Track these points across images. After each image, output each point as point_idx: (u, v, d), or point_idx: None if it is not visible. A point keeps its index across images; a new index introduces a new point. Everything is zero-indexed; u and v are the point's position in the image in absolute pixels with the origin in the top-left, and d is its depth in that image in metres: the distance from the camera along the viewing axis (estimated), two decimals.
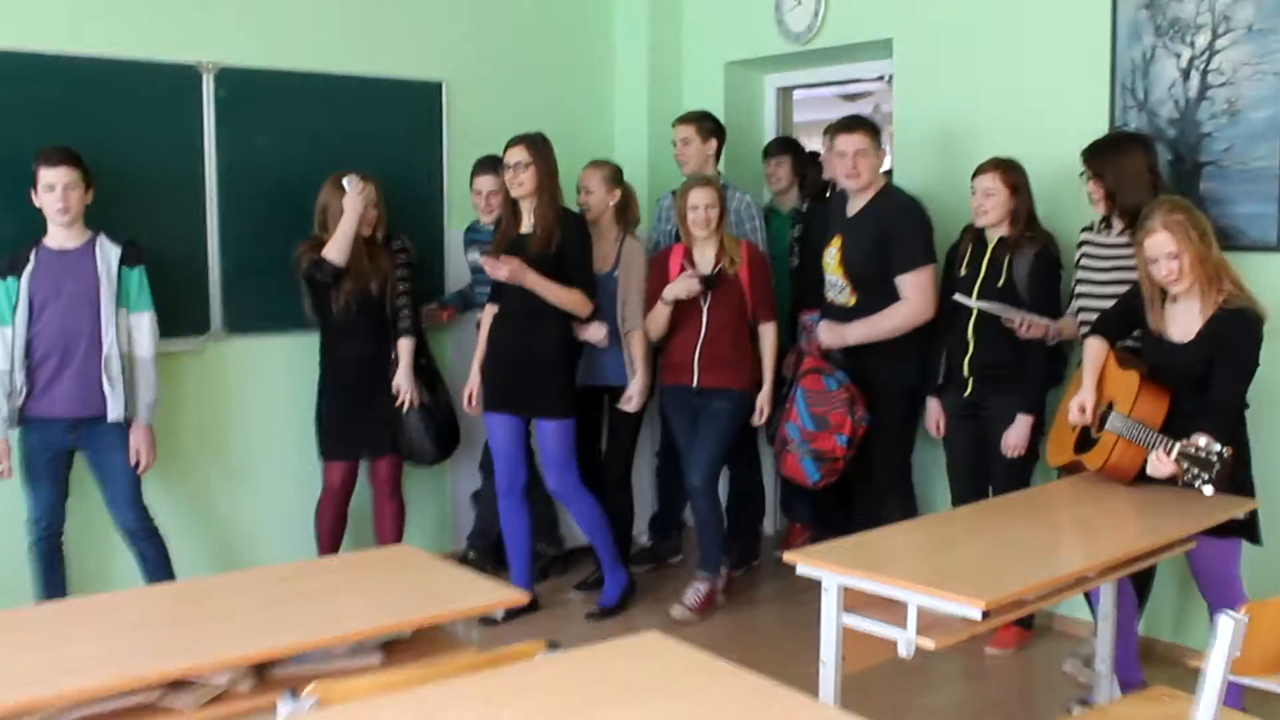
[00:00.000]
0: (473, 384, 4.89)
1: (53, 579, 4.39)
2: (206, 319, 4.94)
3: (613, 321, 4.92)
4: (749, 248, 4.94)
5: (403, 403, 4.80)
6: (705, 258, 4.88)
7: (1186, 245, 3.43)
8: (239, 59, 4.95)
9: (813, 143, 6.76)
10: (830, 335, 4.79)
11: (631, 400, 4.92)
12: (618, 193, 4.94)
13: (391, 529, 4.98)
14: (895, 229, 4.65)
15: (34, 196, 4.22)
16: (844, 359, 4.80)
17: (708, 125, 5.32)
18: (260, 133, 5.01)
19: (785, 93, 6.25)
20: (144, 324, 4.36)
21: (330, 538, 4.92)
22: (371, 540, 5.02)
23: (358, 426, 4.82)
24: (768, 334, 4.95)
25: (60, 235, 4.26)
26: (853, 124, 4.74)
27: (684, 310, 4.88)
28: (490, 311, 4.86)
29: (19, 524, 4.37)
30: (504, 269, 4.59)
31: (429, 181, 5.49)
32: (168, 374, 4.75)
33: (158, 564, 4.48)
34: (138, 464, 4.40)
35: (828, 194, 5.39)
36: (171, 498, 4.90)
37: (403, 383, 4.79)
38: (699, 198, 4.82)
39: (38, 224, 4.26)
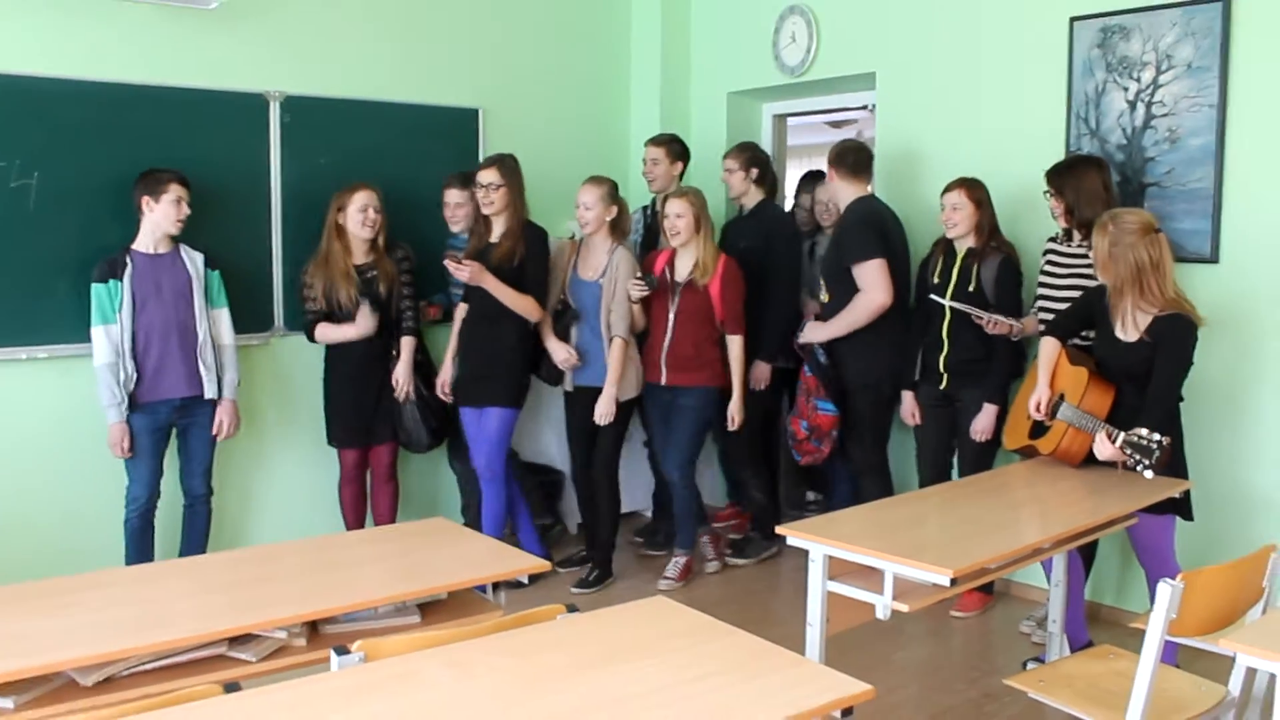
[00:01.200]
0: (445, 374, 4.83)
1: (143, 551, 4.40)
2: (271, 317, 4.94)
3: (599, 326, 4.80)
4: (726, 262, 4.81)
5: (401, 394, 4.75)
6: (686, 265, 4.81)
7: (1098, 246, 3.48)
8: (302, 88, 4.95)
9: (800, 166, 6.75)
10: (809, 332, 4.83)
11: (601, 416, 4.75)
12: (614, 209, 4.82)
13: (387, 509, 4.95)
14: (846, 231, 4.71)
15: (147, 208, 4.26)
16: (825, 357, 4.79)
17: (676, 148, 5.26)
18: (320, 153, 5.00)
19: (780, 119, 6.23)
20: (224, 318, 4.45)
21: (354, 513, 4.91)
22: (370, 517, 5.00)
23: (364, 416, 4.78)
24: (734, 345, 4.81)
25: (150, 242, 4.30)
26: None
27: (656, 313, 4.82)
28: (462, 310, 4.82)
29: (116, 496, 4.39)
30: (465, 271, 4.54)
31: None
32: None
33: (204, 527, 4.54)
34: (218, 434, 4.45)
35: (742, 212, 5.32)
36: (242, 469, 4.93)
37: (402, 376, 4.74)
38: (671, 207, 4.79)
39: (125, 233, 4.30)
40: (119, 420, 4.22)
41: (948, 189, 4.39)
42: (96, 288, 4.21)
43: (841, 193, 4.81)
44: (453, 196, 5.03)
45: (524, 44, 5.69)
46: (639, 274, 4.76)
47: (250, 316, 4.77)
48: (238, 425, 4.50)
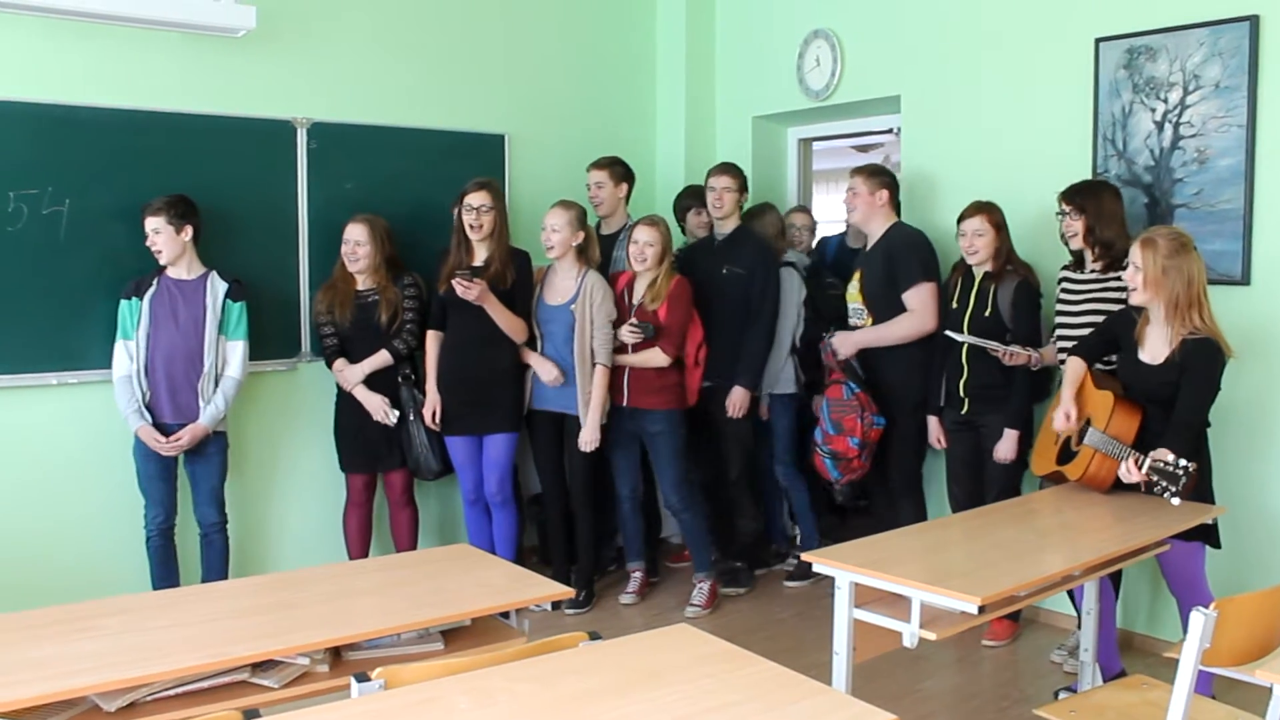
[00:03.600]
0: (433, 402, 4.74)
1: (167, 569, 4.43)
2: (298, 343, 4.96)
3: (567, 351, 4.76)
4: (678, 285, 4.81)
5: (379, 415, 4.67)
6: (643, 288, 4.83)
7: (1150, 265, 3.40)
8: (328, 115, 4.99)
9: (827, 189, 6.71)
10: (841, 341, 4.78)
11: (587, 444, 4.73)
12: (581, 235, 4.78)
13: (407, 534, 4.92)
14: (898, 255, 4.68)
15: None
16: (863, 376, 4.77)
17: (619, 170, 5.22)
18: (346, 179, 5.03)
19: (805, 143, 6.22)
20: (237, 350, 4.42)
21: (358, 541, 4.88)
22: (391, 545, 4.98)
23: (371, 443, 4.75)
24: (658, 356, 4.76)
25: (177, 268, 4.36)
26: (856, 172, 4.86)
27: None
28: (436, 338, 4.77)
29: (141, 522, 4.42)
30: (475, 289, 4.52)
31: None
32: (262, 390, 4.80)
33: (221, 555, 4.52)
34: (224, 466, 4.45)
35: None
36: (266, 495, 4.94)
37: (360, 395, 4.68)
38: (643, 235, 4.77)
39: (152, 258, 4.35)
40: (142, 423, 4.25)
41: (967, 215, 4.37)
42: (122, 304, 4.30)
43: (877, 218, 4.77)
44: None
45: (549, 70, 5.71)
46: (634, 321, 4.76)
47: (276, 343, 4.81)
48: (192, 444, 4.34)
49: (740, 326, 5.00)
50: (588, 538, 4.98)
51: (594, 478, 4.95)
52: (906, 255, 4.66)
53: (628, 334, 4.75)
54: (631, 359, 4.80)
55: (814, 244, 5.84)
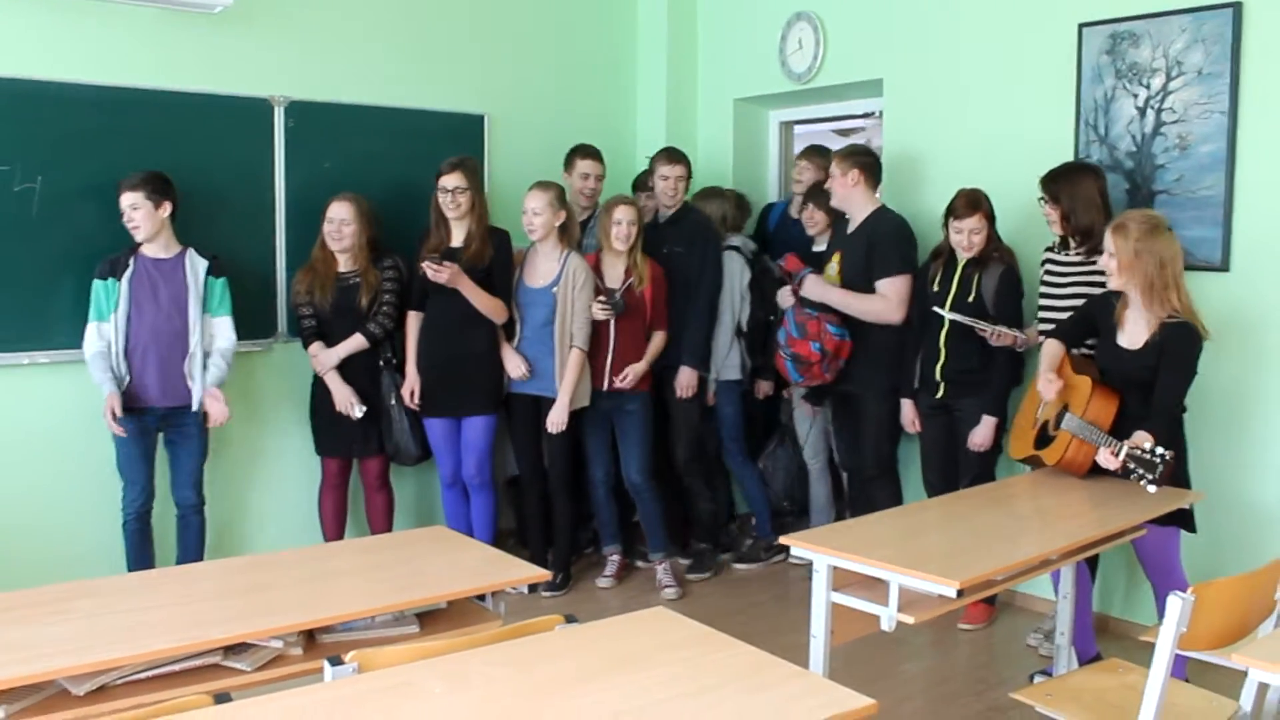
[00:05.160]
0: (411, 382, 4.72)
1: (143, 553, 4.38)
2: (274, 323, 4.91)
3: (546, 334, 4.73)
4: (653, 266, 4.84)
5: (343, 405, 4.60)
6: (615, 271, 4.80)
7: (1122, 249, 3.41)
8: (306, 93, 4.93)
9: None
10: (811, 287, 4.72)
11: (554, 424, 4.72)
12: (563, 214, 4.75)
13: (382, 517, 4.88)
14: (879, 243, 4.65)
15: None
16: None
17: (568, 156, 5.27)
18: (324, 159, 4.97)
19: (787, 126, 6.20)
20: (224, 326, 4.39)
21: (333, 523, 4.85)
22: (366, 528, 4.94)
23: (347, 428, 4.68)
24: (657, 338, 4.86)
25: (154, 246, 4.28)
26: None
27: (597, 324, 4.77)
28: (416, 318, 4.75)
29: (117, 501, 4.37)
30: (445, 273, 4.50)
31: None
32: (237, 371, 4.74)
33: (198, 536, 4.48)
34: (205, 447, 4.42)
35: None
36: (240, 476, 4.90)
37: (332, 385, 4.62)
38: (623, 214, 4.75)
39: (127, 236, 4.28)
40: (112, 390, 4.17)
41: (962, 214, 4.28)
42: (96, 284, 4.21)
43: (857, 200, 4.73)
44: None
45: (529, 50, 5.67)
46: (602, 297, 4.73)
47: (253, 323, 4.74)
48: (229, 414, 4.36)
49: (682, 307, 4.96)
50: (566, 521, 4.98)
51: (572, 461, 4.93)
52: (887, 245, 4.63)
53: (599, 311, 4.71)
54: (650, 355, 4.84)
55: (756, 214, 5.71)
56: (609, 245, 4.80)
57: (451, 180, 4.61)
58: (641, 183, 5.39)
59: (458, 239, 4.68)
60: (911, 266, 4.61)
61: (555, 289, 4.71)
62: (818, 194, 5.07)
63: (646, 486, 4.92)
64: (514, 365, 4.75)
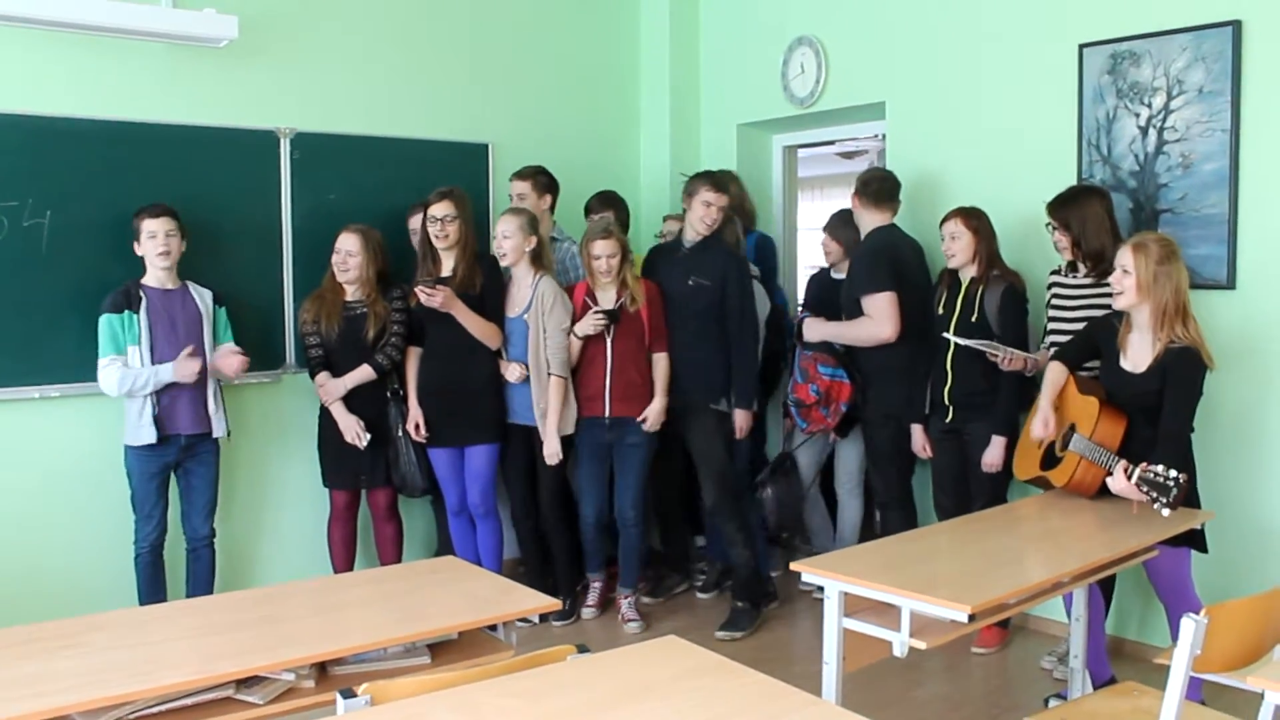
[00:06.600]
0: (415, 415, 4.71)
1: (155, 586, 4.38)
2: (282, 355, 4.94)
3: (522, 361, 4.72)
4: (648, 286, 4.78)
5: (350, 436, 4.61)
6: (607, 297, 4.74)
7: (1143, 269, 3.41)
8: (312, 125, 4.97)
9: (812, 197, 6.69)
10: (809, 329, 4.85)
11: (551, 456, 4.69)
12: (534, 240, 4.68)
13: (391, 548, 4.88)
14: (856, 262, 4.72)
15: (137, 247, 4.28)
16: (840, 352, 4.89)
17: (543, 180, 5.09)
18: (330, 190, 5.01)
19: (790, 150, 6.22)
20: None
21: (343, 554, 4.84)
22: (375, 558, 4.94)
23: (355, 459, 4.68)
24: (661, 361, 4.78)
25: (159, 278, 4.30)
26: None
27: (591, 345, 4.72)
28: (416, 353, 4.74)
29: (128, 535, 4.38)
30: (439, 296, 4.50)
31: (479, 232, 5.42)
32: (246, 402, 4.78)
33: (209, 569, 4.49)
34: (218, 476, 4.42)
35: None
36: (248, 508, 4.91)
37: (337, 414, 4.63)
38: (602, 249, 4.67)
39: (136, 270, 4.31)
40: (168, 365, 4.20)
41: (945, 219, 4.38)
42: (109, 318, 4.20)
43: (864, 222, 4.78)
44: (417, 224, 4.89)
45: (533, 78, 5.71)
46: (594, 310, 4.68)
47: (260, 354, 4.75)
48: (247, 360, 4.38)
49: (707, 342, 4.79)
50: (564, 552, 4.95)
51: (564, 492, 4.90)
52: (860, 264, 4.67)
53: (591, 324, 4.65)
54: (659, 381, 4.78)
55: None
56: (595, 281, 4.77)
57: (440, 209, 4.60)
58: (593, 207, 5.33)
59: (447, 269, 4.67)
60: (889, 284, 4.55)
61: (526, 316, 4.69)
62: (834, 224, 5.09)
63: (636, 522, 4.87)
64: (511, 370, 4.72)
